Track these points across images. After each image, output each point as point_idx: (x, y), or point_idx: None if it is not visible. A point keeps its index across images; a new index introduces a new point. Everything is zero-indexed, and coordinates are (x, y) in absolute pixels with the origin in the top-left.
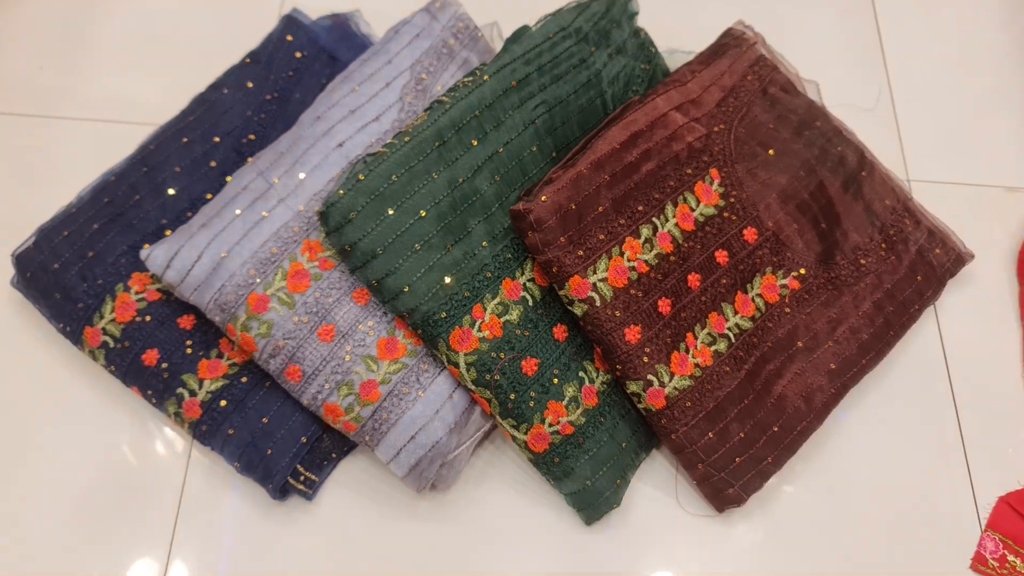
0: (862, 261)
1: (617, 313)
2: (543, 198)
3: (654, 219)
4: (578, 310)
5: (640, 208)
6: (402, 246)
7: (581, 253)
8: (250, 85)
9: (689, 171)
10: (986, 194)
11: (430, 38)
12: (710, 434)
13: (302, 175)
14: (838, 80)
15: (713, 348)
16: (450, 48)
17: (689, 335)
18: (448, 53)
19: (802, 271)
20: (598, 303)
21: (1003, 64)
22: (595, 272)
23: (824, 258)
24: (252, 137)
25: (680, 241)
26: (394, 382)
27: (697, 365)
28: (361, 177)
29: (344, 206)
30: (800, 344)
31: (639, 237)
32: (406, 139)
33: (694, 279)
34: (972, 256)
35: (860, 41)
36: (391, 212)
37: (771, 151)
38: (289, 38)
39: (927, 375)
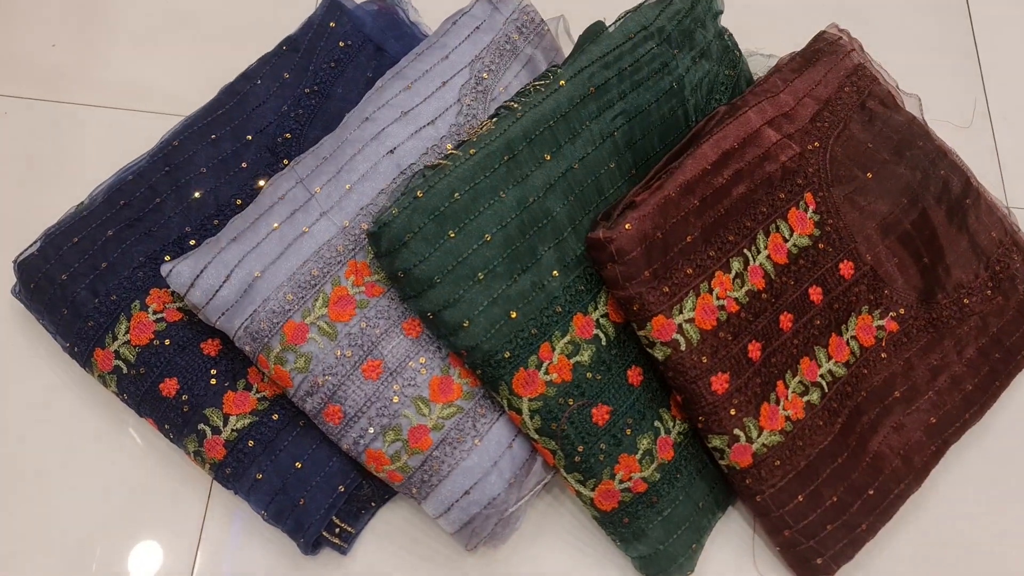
0: (966, 301)
1: (704, 359)
2: (627, 226)
3: (745, 251)
4: (659, 354)
5: (731, 238)
6: (464, 274)
7: (667, 289)
8: (287, 76)
9: (782, 195)
10: None
11: (492, 31)
12: (800, 497)
13: (348, 185)
14: (930, 93)
15: (805, 399)
16: (514, 44)
17: (780, 384)
18: (511, 50)
19: (901, 311)
20: (683, 347)
21: None
22: (681, 312)
23: (925, 297)
24: (288, 136)
25: (773, 276)
26: (447, 428)
27: (788, 418)
28: (419, 194)
29: (399, 227)
30: (897, 394)
31: (729, 271)
32: (471, 151)
33: (786, 319)
34: None
35: (954, 51)
36: (452, 235)
37: (870, 174)
38: (332, 24)
39: None
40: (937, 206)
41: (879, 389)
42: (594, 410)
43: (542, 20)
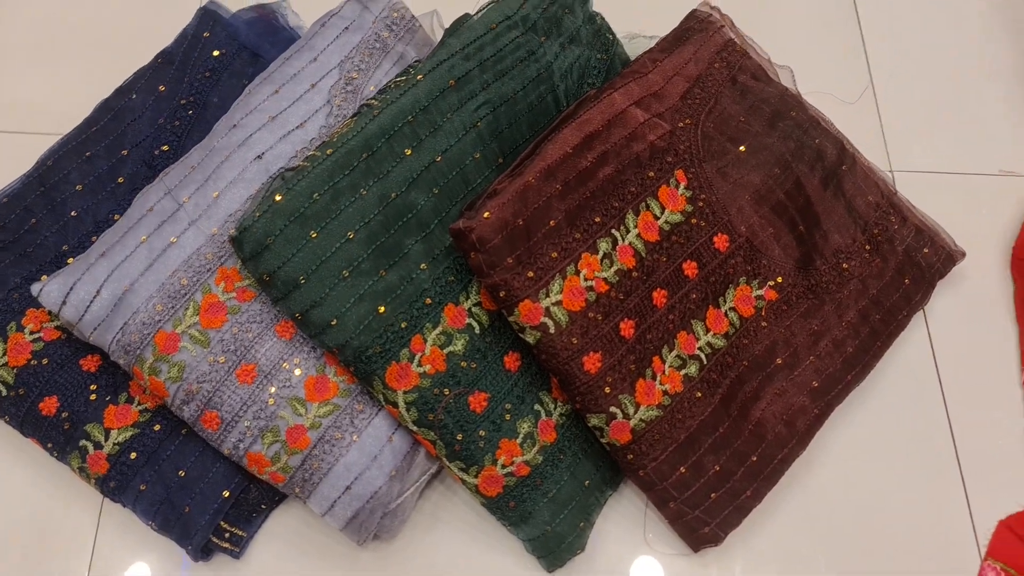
0: (844, 265)
1: (574, 340)
2: (486, 214)
3: (613, 231)
4: (530, 338)
5: (598, 219)
6: (328, 273)
7: (532, 274)
8: (162, 89)
9: (652, 174)
10: (975, 183)
11: (361, 31)
12: (682, 468)
13: (215, 193)
14: (814, 65)
15: (683, 372)
16: (384, 42)
17: (656, 359)
18: (382, 48)
19: (779, 279)
20: (552, 330)
21: (989, 41)
22: (548, 295)
23: (803, 264)
24: (165, 148)
25: (643, 254)
26: (325, 426)
27: (666, 392)
28: (278, 197)
29: (260, 230)
30: (779, 361)
31: (597, 252)
32: (329, 151)
33: (660, 296)
34: (963, 254)
35: (837, 23)
36: (314, 235)
37: (742, 147)
38: (206, 34)
39: (917, 387)
40: (811, 174)
41: (760, 358)
42: (471, 398)
43: (413, 16)
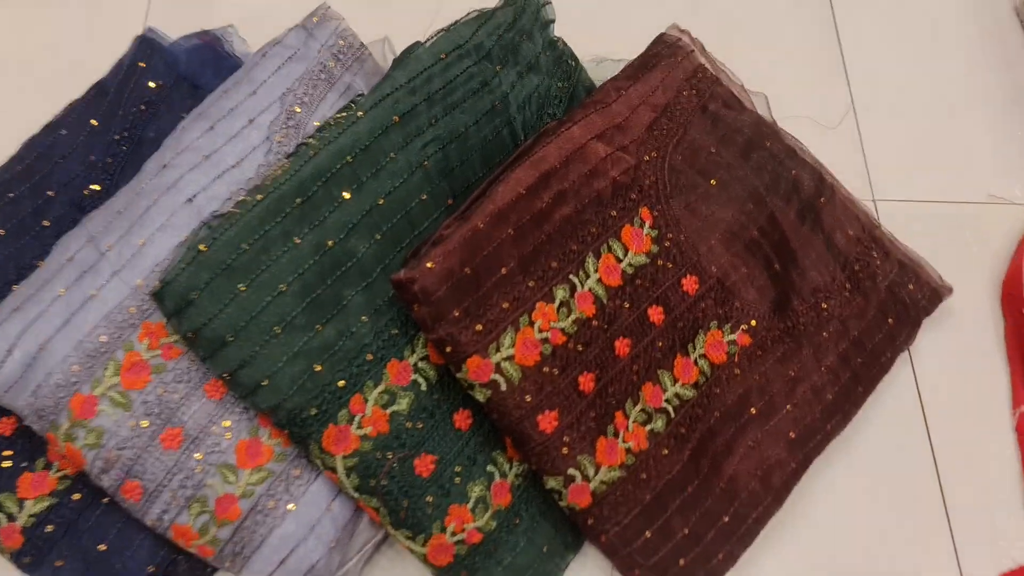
0: (824, 305)
1: (528, 398)
2: (429, 264)
3: (572, 277)
4: (480, 396)
5: (554, 265)
6: (259, 330)
7: (480, 327)
8: (94, 123)
9: (614, 213)
10: (962, 212)
11: (306, 61)
12: (648, 533)
13: (141, 240)
14: (791, 88)
15: (649, 427)
16: (329, 72)
17: (619, 414)
18: (327, 79)
19: (753, 323)
20: (504, 387)
21: (976, 63)
22: (498, 349)
23: (779, 306)
24: (96, 188)
25: (605, 300)
26: (257, 495)
27: (629, 451)
28: (203, 248)
29: (183, 284)
30: (753, 411)
31: (553, 301)
32: (259, 196)
33: (623, 345)
34: (950, 290)
35: (816, 44)
36: (243, 288)
37: (713, 180)
38: (142, 64)
39: (902, 433)
40: (787, 207)
41: (733, 408)
42: (417, 461)
43: (362, 45)
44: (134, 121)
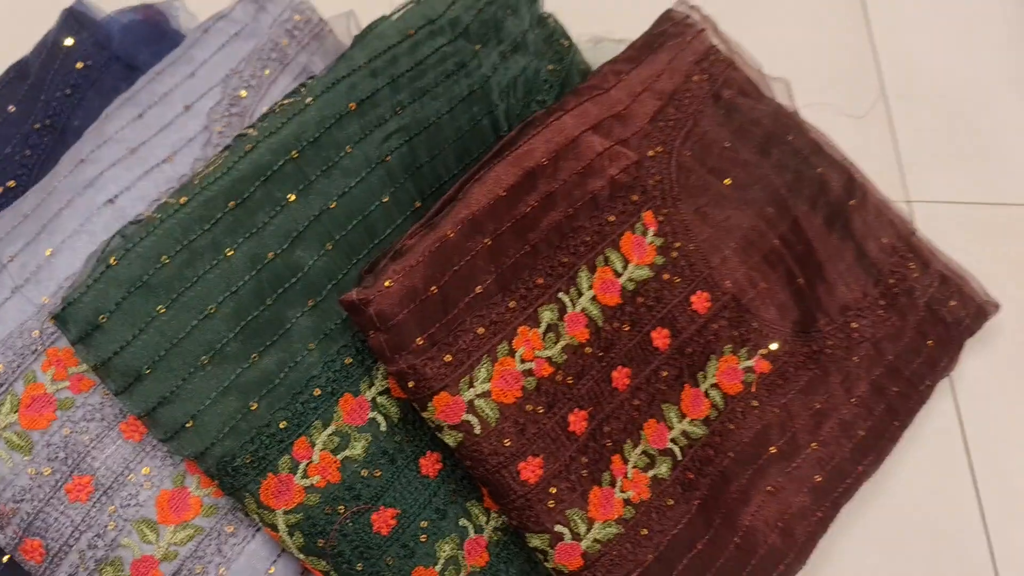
0: (854, 325)
1: (507, 442)
2: (387, 282)
3: (561, 295)
4: (450, 439)
5: (540, 281)
6: (181, 360)
7: (449, 358)
8: (12, 110)
9: (612, 218)
10: (1009, 215)
11: (254, 38)
12: None
13: (49, 250)
14: (814, 73)
15: (651, 473)
16: (282, 51)
17: (616, 459)
18: (279, 59)
19: (773, 347)
20: (478, 429)
21: (1018, 50)
22: (472, 384)
23: (803, 326)
24: (11, 184)
25: (600, 323)
26: (183, 556)
27: (628, 502)
28: (113, 261)
29: (89, 305)
30: (773, 450)
31: (538, 325)
32: (183, 199)
33: (621, 376)
34: (997, 307)
35: (842, 24)
36: (162, 310)
37: (727, 180)
38: (68, 42)
39: (943, 474)
40: (812, 212)
41: (750, 447)
42: (375, 516)
43: (322, 20)
44: (57, 108)
